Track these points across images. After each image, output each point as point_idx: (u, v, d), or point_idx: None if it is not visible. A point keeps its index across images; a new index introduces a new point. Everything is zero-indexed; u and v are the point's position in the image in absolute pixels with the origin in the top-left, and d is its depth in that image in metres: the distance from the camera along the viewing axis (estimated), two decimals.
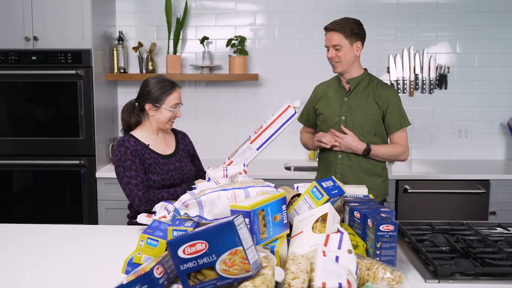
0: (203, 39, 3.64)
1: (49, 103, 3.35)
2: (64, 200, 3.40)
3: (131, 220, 2.26)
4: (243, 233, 1.25)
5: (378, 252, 1.49)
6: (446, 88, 3.79)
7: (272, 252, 1.42)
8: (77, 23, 3.26)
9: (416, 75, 3.79)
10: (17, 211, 3.43)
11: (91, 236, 2.00)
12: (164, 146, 2.34)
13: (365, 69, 2.57)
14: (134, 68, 3.81)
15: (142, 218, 1.93)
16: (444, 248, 1.76)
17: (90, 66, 3.30)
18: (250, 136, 2.23)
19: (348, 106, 2.51)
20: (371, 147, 2.46)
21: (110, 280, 1.45)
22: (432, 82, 3.79)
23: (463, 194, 3.27)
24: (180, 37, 3.71)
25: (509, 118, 3.76)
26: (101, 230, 2.22)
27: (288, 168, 3.66)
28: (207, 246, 1.23)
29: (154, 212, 1.91)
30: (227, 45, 3.67)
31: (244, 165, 2.00)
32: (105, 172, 3.37)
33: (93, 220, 3.37)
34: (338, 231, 1.45)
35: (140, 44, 3.70)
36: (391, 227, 1.48)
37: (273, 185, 1.71)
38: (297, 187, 1.84)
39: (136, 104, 2.31)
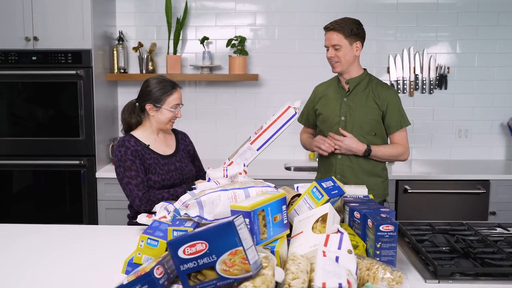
0: (203, 39, 3.64)
1: (49, 103, 3.35)
2: (64, 200, 3.40)
3: (131, 220, 2.26)
4: (243, 233, 1.25)
5: (378, 252, 1.49)
6: (446, 88, 3.79)
7: (272, 252, 1.42)
8: (77, 23, 3.26)
9: (416, 75, 3.79)
10: (17, 211, 3.43)
11: (91, 236, 2.00)
12: (164, 146, 2.34)
13: (365, 69, 2.57)
14: (134, 68, 3.81)
15: (142, 218, 1.93)
16: (444, 248, 1.76)
17: (90, 66, 3.30)
18: (250, 137, 2.23)
19: (348, 107, 2.51)
20: (372, 148, 2.46)
21: (110, 280, 1.45)
22: (432, 82, 3.79)
23: (463, 194, 3.27)
24: (180, 37, 3.72)
25: (509, 118, 3.76)
26: (101, 230, 2.22)
27: (288, 168, 3.66)
28: (207, 246, 1.23)
29: (154, 212, 1.91)
30: (227, 45, 3.67)
31: (244, 166, 2.00)
32: (105, 172, 3.37)
33: (93, 220, 3.38)
34: (338, 231, 1.45)
35: (140, 44, 3.70)
36: (391, 227, 1.48)
37: (273, 185, 1.71)
38: (297, 187, 1.84)
39: (137, 104, 2.31)
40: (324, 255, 1.32)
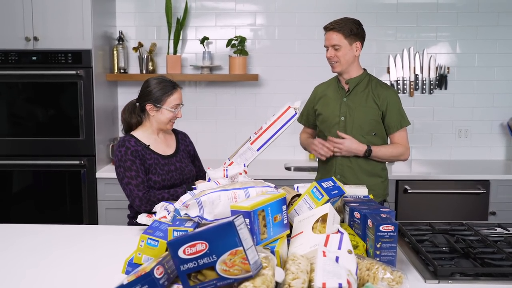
0: (203, 39, 3.64)
1: (49, 103, 3.35)
2: (64, 200, 3.40)
3: (132, 220, 2.26)
4: (244, 233, 1.25)
5: (378, 252, 1.49)
6: (446, 88, 3.79)
7: (272, 252, 1.42)
8: (77, 23, 3.26)
9: (416, 75, 3.79)
10: (17, 211, 3.43)
11: (91, 236, 2.00)
12: (164, 146, 2.34)
13: (364, 69, 2.57)
14: (134, 68, 3.81)
15: (142, 218, 1.93)
16: (444, 248, 1.76)
17: (90, 66, 3.30)
18: (250, 137, 2.23)
19: (348, 107, 2.51)
20: (372, 148, 2.46)
21: (110, 281, 1.45)
22: (432, 82, 3.79)
23: (463, 194, 3.27)
24: (180, 37, 3.72)
25: (509, 119, 3.76)
26: (101, 230, 2.22)
27: (288, 169, 3.66)
28: (208, 246, 1.23)
29: (155, 213, 1.91)
30: (227, 45, 3.67)
31: (244, 166, 2.00)
32: (105, 172, 3.37)
33: (93, 220, 3.38)
34: (338, 231, 1.45)
35: (140, 44, 3.70)
36: (391, 228, 1.48)
37: (273, 185, 1.71)
38: (297, 187, 1.84)
39: (137, 104, 2.31)
40: (324, 255, 1.32)
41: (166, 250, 1.48)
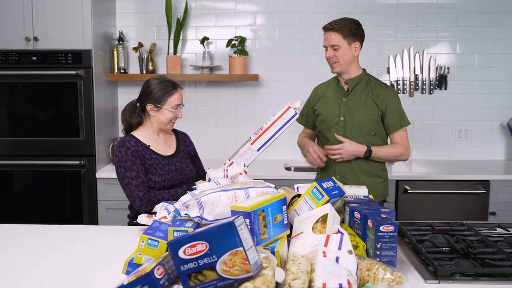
0: (203, 40, 3.64)
1: (49, 104, 3.35)
2: (64, 201, 3.40)
3: (132, 221, 2.26)
4: (244, 233, 1.25)
5: (378, 252, 1.49)
6: (446, 88, 3.79)
7: (273, 252, 1.42)
8: (78, 23, 3.26)
9: (416, 75, 3.79)
10: (17, 211, 3.43)
11: (91, 237, 2.00)
12: (165, 146, 2.34)
13: (364, 69, 2.57)
14: (134, 69, 3.81)
15: (142, 218, 1.94)
16: (444, 248, 1.76)
17: (90, 67, 3.30)
18: (250, 137, 2.23)
19: (347, 107, 2.51)
20: (372, 148, 2.45)
21: (111, 281, 1.45)
22: (432, 82, 3.79)
23: (463, 194, 3.28)
24: (180, 38, 3.72)
25: (509, 119, 3.76)
26: (101, 230, 2.22)
27: (288, 169, 3.67)
28: (208, 246, 1.23)
29: (155, 213, 1.91)
30: (227, 46, 3.67)
31: (245, 166, 2.00)
32: (105, 172, 3.37)
33: (93, 220, 3.38)
34: (339, 231, 1.45)
35: (140, 45, 3.70)
36: (391, 228, 1.48)
37: (273, 185, 1.71)
38: (297, 187, 1.84)
39: (138, 104, 2.31)
40: (325, 256, 1.32)
41: (166, 251, 1.48)
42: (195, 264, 1.25)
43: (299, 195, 1.72)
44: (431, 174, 3.35)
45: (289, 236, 1.58)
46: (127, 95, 3.73)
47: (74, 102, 3.32)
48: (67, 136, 3.35)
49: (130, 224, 2.29)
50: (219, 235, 1.24)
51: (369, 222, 1.54)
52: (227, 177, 1.92)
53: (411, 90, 3.79)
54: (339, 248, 1.37)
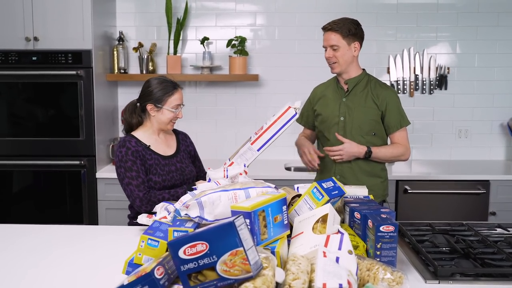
0: (204, 40, 3.64)
1: (49, 104, 3.35)
2: (64, 201, 3.40)
3: (132, 221, 2.26)
4: (244, 234, 1.25)
5: (378, 252, 1.49)
6: (446, 88, 3.79)
7: (273, 252, 1.42)
8: (78, 23, 3.26)
9: (416, 75, 3.79)
10: (18, 211, 3.43)
11: (91, 237, 2.00)
12: (165, 147, 2.34)
13: (364, 69, 2.57)
14: (134, 69, 3.81)
15: (142, 218, 1.94)
16: (444, 248, 1.76)
17: (91, 67, 3.30)
18: (250, 137, 2.23)
19: (347, 107, 2.51)
20: (372, 149, 2.45)
21: (111, 281, 1.45)
22: (432, 82, 3.79)
23: (463, 194, 3.28)
24: (181, 38, 3.72)
25: (509, 119, 3.76)
26: (101, 230, 2.22)
27: (288, 169, 3.67)
28: (208, 247, 1.23)
29: (155, 213, 1.91)
30: (227, 46, 3.67)
31: (245, 166, 2.00)
32: (106, 172, 3.37)
33: (93, 220, 3.37)
34: (339, 231, 1.45)
35: (141, 45, 3.70)
36: (391, 228, 1.48)
37: (273, 185, 1.71)
38: (297, 187, 1.84)
39: (138, 104, 2.31)
40: (325, 256, 1.32)
41: (167, 251, 1.48)
42: (195, 264, 1.25)
43: (299, 195, 1.72)
44: (431, 174, 3.35)
45: (289, 236, 1.58)
46: (127, 95, 3.73)
47: (74, 102, 3.32)
48: (67, 136, 3.35)
49: (130, 224, 2.29)
50: (219, 235, 1.24)
51: (369, 222, 1.54)
52: (227, 177, 1.92)
53: (411, 90, 3.79)
54: (339, 248, 1.37)
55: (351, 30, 2.41)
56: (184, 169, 2.33)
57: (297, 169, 3.68)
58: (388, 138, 2.58)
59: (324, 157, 2.56)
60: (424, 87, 3.79)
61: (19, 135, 3.37)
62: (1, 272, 1.62)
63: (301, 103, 2.28)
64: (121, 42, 3.67)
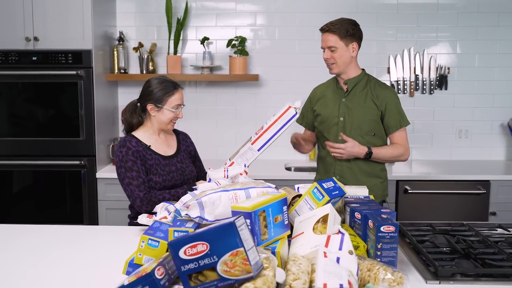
0: (204, 40, 3.64)
1: (50, 104, 3.35)
2: (65, 201, 3.40)
3: (132, 221, 2.26)
4: (244, 234, 1.25)
5: (379, 253, 1.49)
6: (446, 88, 3.79)
7: (273, 253, 1.42)
8: (78, 23, 3.26)
9: (416, 75, 3.79)
10: (18, 211, 3.43)
11: (91, 237, 2.00)
12: (165, 147, 2.34)
13: (363, 69, 2.57)
14: (134, 69, 3.81)
15: (143, 218, 1.93)
16: (444, 249, 1.76)
17: (91, 67, 3.30)
18: (251, 137, 2.23)
19: (346, 107, 2.50)
20: (372, 150, 2.44)
21: (111, 281, 1.45)
22: (432, 82, 3.79)
23: (463, 194, 3.27)
24: (181, 38, 3.71)
25: (509, 119, 3.76)
26: (101, 230, 2.22)
27: (288, 169, 3.66)
28: (208, 247, 1.23)
29: (155, 213, 1.91)
30: (227, 46, 3.67)
31: (245, 166, 2.00)
32: (106, 172, 3.37)
33: (93, 220, 3.37)
34: (339, 232, 1.45)
35: (141, 45, 3.70)
36: (392, 228, 1.48)
37: (274, 186, 1.70)
38: (298, 188, 1.84)
39: (138, 104, 2.31)
40: (325, 256, 1.32)
41: (167, 251, 1.48)
42: (195, 264, 1.25)
43: (299, 196, 1.72)
44: (431, 174, 3.35)
45: (289, 236, 1.57)
46: (127, 95, 3.73)
47: (74, 102, 3.32)
48: (67, 136, 3.35)
49: (130, 224, 2.29)
50: (219, 235, 1.23)
51: (370, 223, 1.54)
52: (227, 177, 1.92)
53: (411, 90, 3.79)
54: (340, 249, 1.37)
55: (348, 31, 2.41)
56: (184, 169, 2.33)
57: (298, 169, 3.68)
58: (388, 138, 2.58)
59: (324, 158, 2.56)
60: (424, 87, 3.79)
61: (19, 135, 3.37)
62: (1, 272, 1.62)
63: (301, 103, 2.28)
64: (121, 42, 3.67)
